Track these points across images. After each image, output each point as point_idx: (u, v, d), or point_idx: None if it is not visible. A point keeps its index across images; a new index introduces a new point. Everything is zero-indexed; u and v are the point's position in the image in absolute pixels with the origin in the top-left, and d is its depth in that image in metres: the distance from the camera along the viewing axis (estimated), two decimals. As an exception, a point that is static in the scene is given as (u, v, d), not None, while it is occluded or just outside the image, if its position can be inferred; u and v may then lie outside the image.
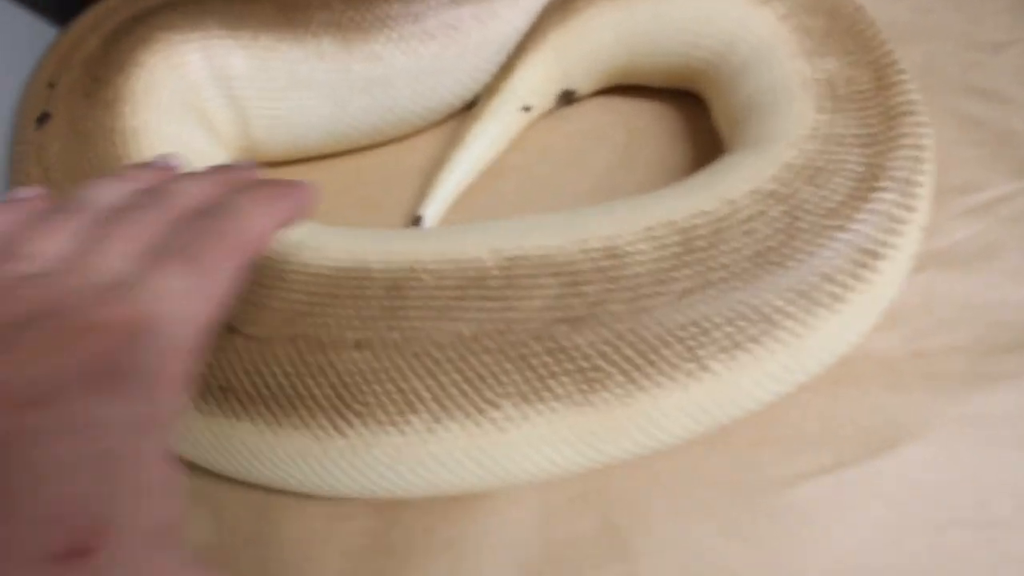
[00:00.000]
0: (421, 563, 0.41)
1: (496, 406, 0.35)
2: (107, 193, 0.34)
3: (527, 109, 0.56)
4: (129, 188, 0.35)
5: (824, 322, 0.37)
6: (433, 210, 0.54)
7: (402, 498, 0.40)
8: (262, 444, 0.38)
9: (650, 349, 0.35)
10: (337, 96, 0.54)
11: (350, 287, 0.38)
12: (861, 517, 0.41)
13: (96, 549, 0.21)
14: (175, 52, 0.51)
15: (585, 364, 0.35)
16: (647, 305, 0.36)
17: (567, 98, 0.58)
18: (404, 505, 0.42)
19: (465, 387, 0.35)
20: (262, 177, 0.39)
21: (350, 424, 0.36)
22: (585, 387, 0.35)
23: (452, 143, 0.56)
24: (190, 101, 0.52)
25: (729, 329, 0.35)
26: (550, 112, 0.60)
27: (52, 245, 0.30)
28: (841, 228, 0.37)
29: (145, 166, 0.38)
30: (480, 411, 0.35)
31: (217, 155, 0.50)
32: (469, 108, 0.58)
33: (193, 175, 0.37)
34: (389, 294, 0.37)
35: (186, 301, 0.29)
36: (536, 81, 0.56)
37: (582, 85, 0.58)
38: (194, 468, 0.42)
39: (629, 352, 0.35)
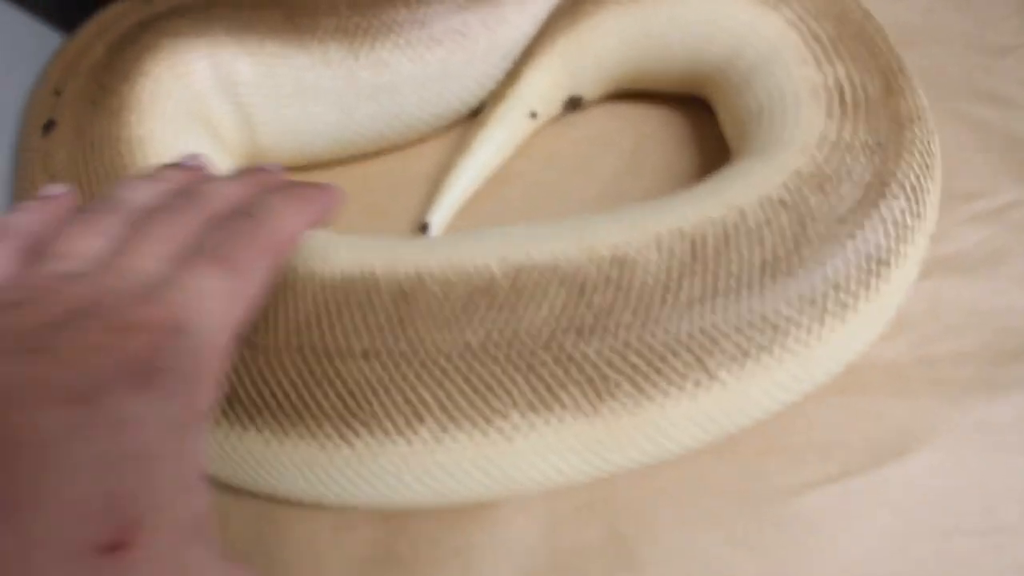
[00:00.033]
0: (427, 572, 0.41)
1: (503, 415, 0.35)
2: (140, 193, 0.34)
3: (534, 115, 0.56)
4: (160, 188, 0.35)
5: (833, 331, 0.37)
6: (439, 217, 0.54)
7: (409, 507, 0.40)
8: (268, 454, 0.38)
9: (658, 358, 0.35)
10: (343, 103, 0.54)
11: (357, 296, 0.38)
12: (868, 525, 0.40)
13: (136, 542, 0.22)
14: (181, 60, 0.51)
15: (593, 373, 0.35)
16: (655, 314, 0.35)
17: (574, 104, 0.58)
18: (410, 514, 0.42)
19: (472, 396, 0.35)
20: (288, 179, 0.40)
21: (357, 434, 0.36)
22: (593, 396, 0.35)
23: (458, 150, 0.56)
24: (196, 109, 0.52)
25: (737, 338, 0.35)
26: (557, 118, 0.59)
27: (87, 245, 0.31)
28: (850, 236, 0.37)
29: (174, 166, 0.38)
30: (487, 420, 0.35)
31: (223, 162, 0.50)
32: (475, 114, 0.58)
33: (223, 177, 0.37)
34: (396, 303, 0.37)
35: (219, 302, 0.30)
36: (543, 87, 0.55)
37: (589, 91, 0.58)
38: (200, 477, 0.42)
39: (637, 361, 0.35)
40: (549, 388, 0.35)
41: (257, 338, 0.37)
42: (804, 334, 0.36)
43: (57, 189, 0.36)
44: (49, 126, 0.49)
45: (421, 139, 0.59)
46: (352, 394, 0.36)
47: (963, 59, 0.58)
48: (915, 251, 0.39)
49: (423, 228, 0.54)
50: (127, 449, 0.23)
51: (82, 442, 0.22)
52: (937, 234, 0.42)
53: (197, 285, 0.29)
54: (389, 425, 0.36)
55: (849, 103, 0.43)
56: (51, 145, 0.48)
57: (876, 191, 0.39)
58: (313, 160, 0.57)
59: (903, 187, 0.39)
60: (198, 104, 0.52)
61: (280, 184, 0.38)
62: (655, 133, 0.58)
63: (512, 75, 0.56)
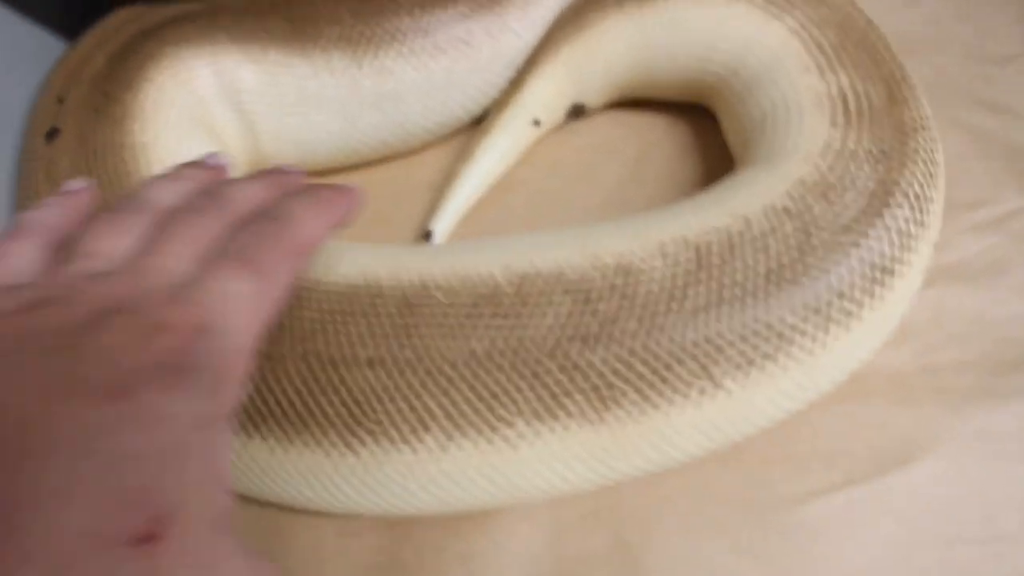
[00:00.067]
0: (433, 580, 0.41)
1: (509, 424, 0.35)
2: (164, 193, 0.35)
3: (537, 123, 0.56)
4: (183, 188, 0.36)
5: (837, 339, 0.37)
6: (443, 225, 0.54)
7: (414, 515, 0.40)
8: (273, 462, 0.38)
9: (663, 366, 0.35)
10: (347, 111, 0.54)
11: (362, 305, 0.38)
12: (871, 534, 0.41)
13: (165, 535, 0.23)
14: (184, 67, 0.51)
15: (598, 382, 0.35)
16: (660, 322, 0.36)
17: (577, 112, 0.58)
18: (415, 521, 0.42)
19: (478, 405, 0.35)
20: (308, 181, 0.40)
21: (362, 442, 0.36)
22: (598, 405, 0.35)
23: (462, 157, 0.56)
24: (199, 116, 0.52)
25: (742, 346, 0.35)
26: (560, 126, 0.59)
27: (113, 245, 0.31)
28: (855, 245, 0.37)
29: (196, 165, 0.39)
30: (493, 429, 0.35)
31: (226, 170, 0.50)
32: (479, 122, 0.58)
33: (246, 179, 0.38)
34: (401, 312, 0.37)
35: (245, 303, 0.30)
36: (547, 95, 0.55)
37: (592, 99, 0.58)
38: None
39: (642, 369, 0.35)
40: (554, 396, 0.35)
41: (262, 346, 0.37)
42: (809, 342, 0.36)
43: (78, 184, 0.37)
44: (52, 133, 0.49)
45: (424, 147, 0.59)
46: (357, 402, 0.36)
47: (965, 68, 0.58)
48: (919, 260, 0.39)
49: (426, 236, 0.54)
50: (158, 445, 0.24)
51: (115, 437, 0.23)
52: (940, 243, 0.42)
53: (223, 287, 0.30)
54: (394, 433, 0.36)
55: (853, 112, 0.43)
56: (54, 152, 0.48)
57: (880, 200, 0.39)
58: (316, 168, 0.57)
59: (907, 196, 0.39)
60: (201, 111, 0.52)
61: (301, 186, 0.38)
62: (658, 141, 0.58)
63: (516, 83, 0.56)
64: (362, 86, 0.53)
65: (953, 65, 0.59)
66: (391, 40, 0.52)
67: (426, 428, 0.35)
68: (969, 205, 0.51)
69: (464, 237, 0.55)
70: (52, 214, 0.35)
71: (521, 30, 0.55)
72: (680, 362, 0.35)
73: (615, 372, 0.35)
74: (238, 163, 0.54)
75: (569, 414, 0.35)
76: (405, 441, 0.36)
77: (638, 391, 0.35)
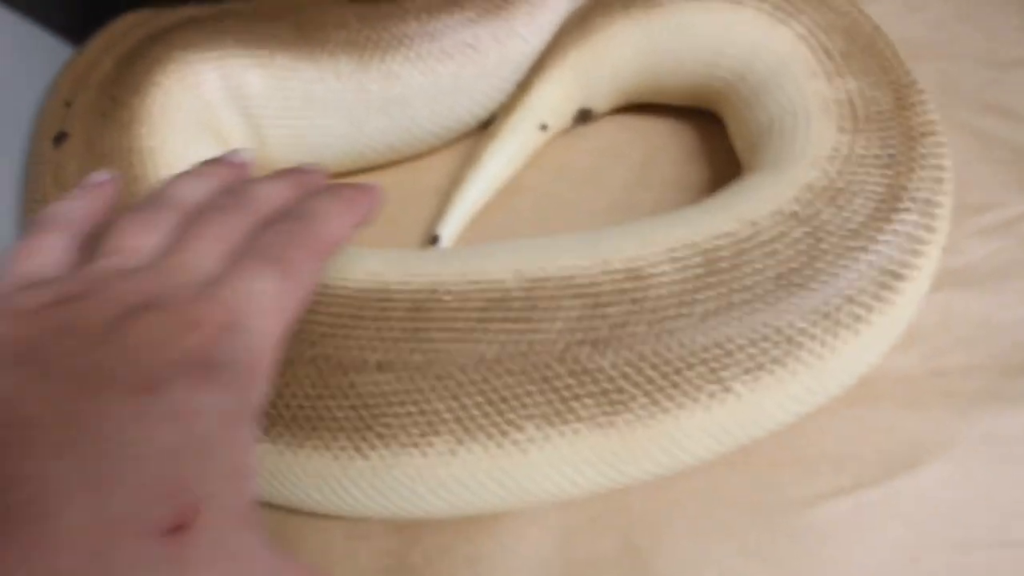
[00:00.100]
0: (441, 583, 0.41)
1: (519, 428, 0.35)
2: (189, 191, 0.36)
3: (544, 127, 0.56)
4: (207, 186, 0.37)
5: (846, 343, 0.37)
6: (450, 229, 0.54)
7: (423, 518, 0.40)
8: (282, 465, 0.38)
9: (673, 371, 0.35)
10: (354, 115, 0.54)
11: (372, 308, 0.38)
12: (880, 537, 0.41)
13: (195, 526, 0.23)
14: (191, 71, 0.51)
15: (608, 386, 0.35)
16: (670, 327, 0.36)
17: (584, 116, 0.58)
18: (424, 525, 0.42)
19: (488, 409, 0.35)
20: (329, 181, 0.41)
21: (372, 446, 0.36)
22: (608, 409, 0.35)
23: (469, 162, 0.56)
24: (206, 120, 0.52)
25: (752, 351, 0.35)
26: (567, 130, 0.59)
27: (141, 242, 0.32)
28: (863, 249, 0.37)
29: (219, 162, 0.40)
30: (503, 433, 0.35)
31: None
32: (485, 126, 0.58)
33: (269, 178, 0.38)
34: (411, 316, 0.37)
35: (271, 301, 0.31)
36: (553, 99, 0.56)
37: (599, 103, 0.58)
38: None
39: (652, 374, 0.35)
40: (564, 400, 0.35)
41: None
42: (818, 347, 0.36)
43: (102, 176, 0.38)
44: (60, 138, 0.49)
45: (431, 151, 0.60)
46: (367, 406, 0.36)
47: (972, 72, 0.58)
48: (927, 264, 0.39)
49: (433, 240, 0.54)
50: (187, 438, 0.25)
51: (147, 430, 0.24)
52: (947, 247, 0.42)
53: (250, 285, 0.30)
54: (404, 437, 0.36)
55: (860, 117, 0.43)
56: (62, 157, 0.48)
57: (889, 205, 0.39)
58: (323, 172, 0.57)
59: (915, 201, 0.39)
60: (208, 115, 0.52)
61: (322, 186, 0.39)
62: (665, 145, 0.58)
63: (522, 87, 0.56)
64: (369, 90, 0.53)
65: (959, 70, 0.59)
66: (398, 45, 0.52)
67: (436, 432, 0.35)
68: (976, 209, 0.51)
69: (471, 241, 0.55)
70: (78, 207, 0.36)
71: (528, 35, 0.55)
72: (690, 366, 0.35)
73: (625, 376, 0.35)
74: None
75: (579, 418, 0.35)
76: (415, 445, 0.36)
77: (648, 395, 0.35)
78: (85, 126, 0.49)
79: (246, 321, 0.29)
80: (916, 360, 0.45)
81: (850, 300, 0.37)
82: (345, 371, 0.36)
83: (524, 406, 0.35)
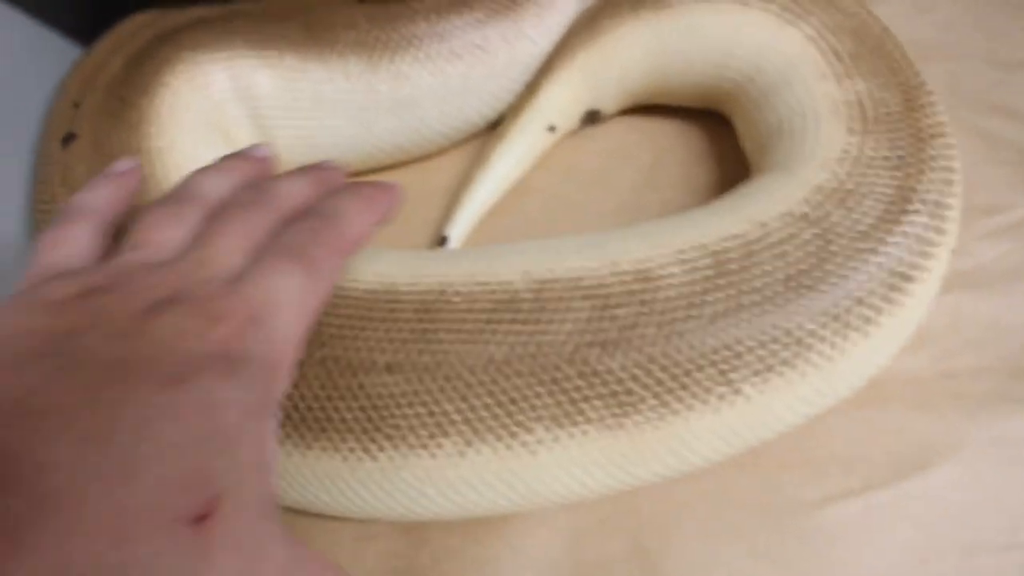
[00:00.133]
0: (449, 585, 0.41)
1: (528, 429, 0.35)
2: (212, 186, 0.36)
3: (552, 129, 0.56)
4: (230, 181, 0.37)
5: (856, 345, 0.37)
6: (458, 230, 0.54)
7: (431, 520, 0.40)
8: (290, 466, 0.38)
9: (682, 372, 0.35)
10: (363, 116, 0.54)
11: (380, 310, 0.38)
12: (889, 540, 0.40)
13: (218, 516, 0.24)
14: (200, 72, 0.51)
15: (617, 387, 0.35)
16: (679, 328, 0.36)
17: (592, 118, 0.58)
18: (432, 526, 0.42)
19: (497, 410, 0.35)
20: (347, 178, 0.42)
21: (380, 447, 0.36)
22: (617, 410, 0.35)
23: (477, 163, 0.56)
24: (215, 121, 0.52)
25: (761, 352, 0.35)
26: (575, 132, 0.59)
27: (167, 235, 0.33)
28: (873, 251, 0.37)
29: (242, 156, 0.40)
30: (512, 434, 0.35)
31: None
32: (494, 127, 0.58)
33: (292, 174, 0.39)
34: (420, 317, 0.37)
35: (296, 297, 0.31)
36: (562, 101, 0.55)
37: (607, 105, 0.58)
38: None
39: (661, 375, 0.35)
40: (574, 402, 0.35)
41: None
42: (827, 348, 0.36)
43: (126, 164, 0.39)
44: (68, 139, 0.49)
45: (439, 152, 0.60)
46: (376, 407, 0.36)
47: (980, 74, 0.58)
48: (937, 266, 0.39)
49: (441, 241, 0.54)
50: (212, 430, 0.25)
51: (173, 421, 0.24)
52: (956, 248, 0.42)
53: (275, 281, 0.31)
54: (413, 438, 0.36)
55: (870, 118, 0.43)
56: (70, 157, 0.48)
57: (898, 206, 0.39)
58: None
59: (925, 202, 0.39)
60: (217, 116, 0.52)
61: (342, 183, 0.40)
62: (673, 146, 0.58)
63: (531, 89, 0.56)
64: (378, 91, 0.53)
65: (968, 71, 0.59)
66: (407, 45, 0.52)
67: (445, 433, 0.35)
68: (985, 211, 0.51)
69: (479, 242, 0.55)
70: (102, 197, 0.37)
71: (537, 36, 0.55)
72: (699, 368, 0.35)
73: (634, 378, 0.35)
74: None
75: (588, 420, 0.35)
76: (423, 446, 0.36)
77: (657, 397, 0.35)
78: (94, 127, 0.49)
79: (270, 317, 0.30)
80: (925, 362, 0.45)
81: (860, 302, 0.37)
82: (354, 372, 0.36)
83: (533, 408, 0.35)
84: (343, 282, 0.39)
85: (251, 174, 0.39)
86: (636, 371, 0.35)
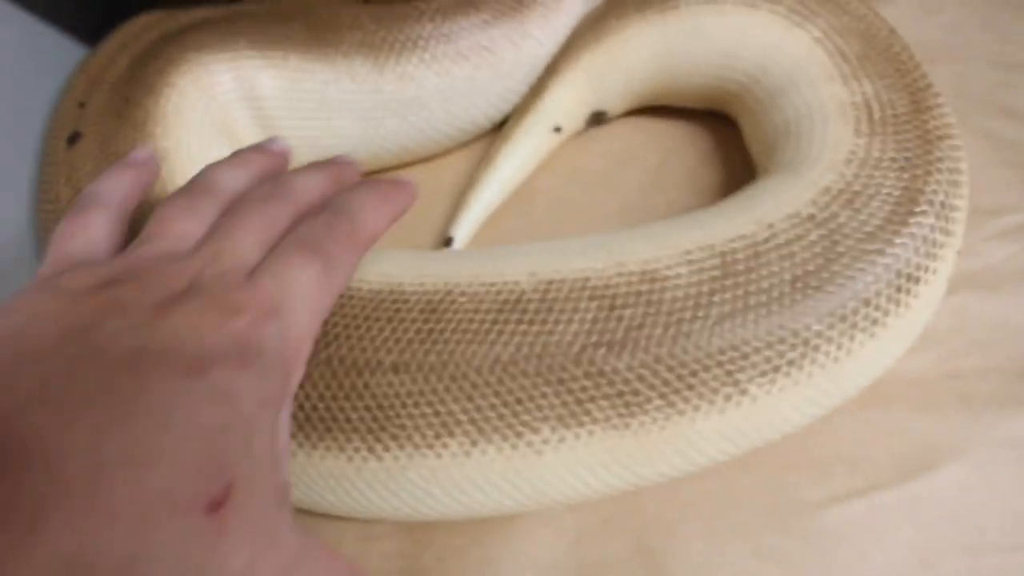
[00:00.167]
0: (454, 585, 0.41)
1: (534, 429, 0.35)
2: (229, 179, 0.37)
3: (558, 130, 0.56)
4: (247, 174, 0.38)
5: (863, 346, 0.37)
6: (463, 231, 0.54)
7: (436, 520, 0.40)
8: (295, 466, 0.38)
9: (689, 373, 0.35)
10: (368, 117, 0.54)
11: (386, 310, 0.38)
12: (894, 540, 0.40)
13: (233, 504, 0.25)
14: (205, 72, 0.51)
15: (623, 388, 0.35)
16: (686, 329, 0.35)
17: (598, 119, 0.58)
18: (436, 526, 0.42)
19: (503, 410, 0.35)
20: (361, 173, 0.43)
21: (386, 447, 0.36)
22: (623, 411, 0.35)
23: (482, 164, 0.56)
24: (220, 121, 0.52)
25: (768, 353, 0.35)
26: (581, 133, 0.59)
27: (185, 227, 0.33)
28: (880, 252, 0.37)
29: (258, 149, 0.41)
30: (517, 434, 0.35)
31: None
32: (499, 128, 0.58)
33: (307, 169, 0.39)
34: (425, 317, 0.37)
35: (312, 291, 0.32)
36: (567, 102, 0.56)
37: (613, 106, 0.58)
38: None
39: (668, 376, 0.35)
40: (579, 402, 0.35)
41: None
42: (834, 349, 0.36)
43: (143, 154, 0.40)
44: (74, 138, 0.49)
45: (445, 153, 0.60)
46: (381, 407, 0.36)
47: (987, 76, 0.58)
48: (944, 267, 0.39)
49: (447, 242, 0.54)
50: (228, 419, 0.26)
51: (190, 410, 0.25)
52: (963, 249, 0.42)
53: (292, 275, 0.32)
54: (418, 438, 0.36)
55: (877, 120, 0.43)
56: (76, 157, 0.48)
57: (905, 208, 0.39)
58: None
59: (932, 204, 0.39)
60: (223, 116, 0.52)
61: (357, 178, 0.41)
62: (679, 148, 0.58)
63: (536, 90, 0.56)
64: (384, 92, 0.53)
65: (975, 73, 0.58)
66: (413, 46, 0.52)
67: (450, 433, 0.35)
68: (992, 212, 0.51)
69: (484, 243, 0.55)
70: (119, 185, 0.37)
71: (543, 37, 0.55)
72: (706, 368, 0.35)
73: (640, 378, 0.35)
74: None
75: (594, 420, 0.35)
76: (429, 446, 0.36)
77: (663, 397, 0.35)
78: (99, 126, 0.49)
79: (286, 310, 0.31)
80: (931, 363, 0.45)
81: (866, 303, 0.36)
82: (359, 372, 0.36)
83: (539, 408, 0.35)
84: (349, 282, 0.39)
85: (267, 168, 0.39)
86: (642, 371, 0.35)
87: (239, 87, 0.52)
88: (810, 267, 0.37)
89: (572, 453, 0.36)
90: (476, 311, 0.37)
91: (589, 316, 0.36)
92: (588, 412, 0.35)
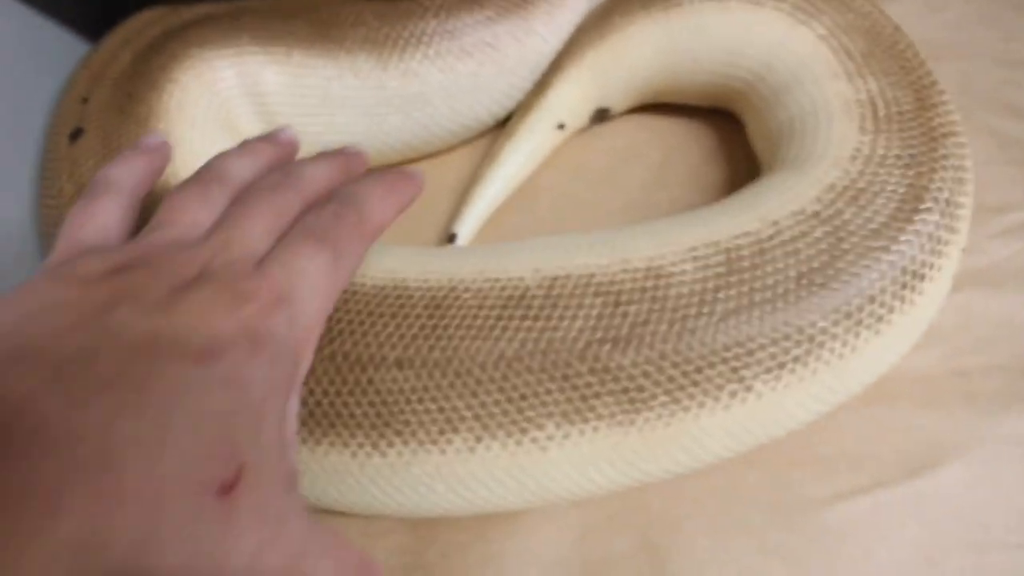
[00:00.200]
0: (457, 581, 0.41)
1: (538, 425, 0.35)
2: (239, 168, 0.37)
3: (561, 127, 0.56)
4: (256, 163, 0.38)
5: (868, 343, 0.37)
6: (467, 228, 0.54)
7: (440, 516, 0.40)
8: (299, 462, 0.37)
9: (694, 370, 0.35)
10: (372, 113, 0.54)
11: (390, 305, 0.38)
12: (899, 537, 0.40)
13: (244, 487, 0.25)
14: (208, 68, 0.51)
15: (628, 384, 0.35)
16: (691, 325, 0.35)
17: (601, 116, 0.58)
18: (440, 522, 0.42)
19: (507, 406, 0.35)
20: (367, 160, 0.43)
21: (390, 443, 0.36)
22: (628, 407, 0.35)
23: (486, 160, 0.56)
24: (223, 117, 0.52)
25: (773, 350, 0.35)
26: (584, 130, 0.59)
27: (195, 215, 0.34)
28: (885, 249, 0.37)
29: (267, 139, 0.41)
30: (522, 431, 0.35)
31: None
32: (503, 125, 0.58)
33: (316, 159, 0.39)
34: (430, 313, 0.37)
35: (321, 280, 0.32)
36: (571, 99, 0.56)
37: (617, 103, 0.58)
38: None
39: (673, 372, 0.35)
40: (584, 398, 0.35)
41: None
42: (839, 346, 0.36)
43: (155, 140, 0.40)
44: (76, 134, 0.49)
45: (448, 149, 0.60)
46: (385, 403, 0.36)
47: (991, 74, 0.58)
48: (949, 264, 0.39)
49: (450, 239, 0.54)
50: (240, 404, 0.27)
51: (203, 395, 0.26)
52: (968, 247, 0.42)
53: (300, 264, 0.32)
54: (422, 434, 0.36)
55: (882, 117, 0.43)
56: (78, 152, 0.48)
57: (910, 205, 0.39)
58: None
59: (937, 201, 0.39)
60: (225, 112, 0.52)
61: (364, 169, 0.42)
62: (682, 145, 0.58)
63: (540, 86, 0.56)
64: (387, 88, 0.53)
65: (979, 70, 0.58)
66: (417, 42, 0.52)
67: (455, 429, 0.35)
68: (996, 210, 0.51)
69: (488, 240, 0.55)
70: (131, 171, 0.37)
71: (547, 34, 0.55)
72: (711, 365, 0.35)
73: (645, 375, 0.35)
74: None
75: (599, 416, 0.35)
76: (433, 442, 0.36)
77: (668, 394, 0.35)
78: (102, 122, 0.49)
79: (294, 299, 0.31)
80: (936, 360, 0.45)
81: (872, 300, 0.36)
82: (364, 367, 0.36)
83: (544, 404, 0.35)
84: (356, 272, 0.39)
85: (275, 158, 0.40)
86: (647, 368, 0.35)
87: (242, 83, 0.52)
88: (815, 264, 0.37)
89: (577, 449, 0.36)
90: (480, 307, 0.37)
91: (594, 312, 0.36)
92: (593, 408, 0.35)
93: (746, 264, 0.37)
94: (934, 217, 0.39)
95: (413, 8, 0.53)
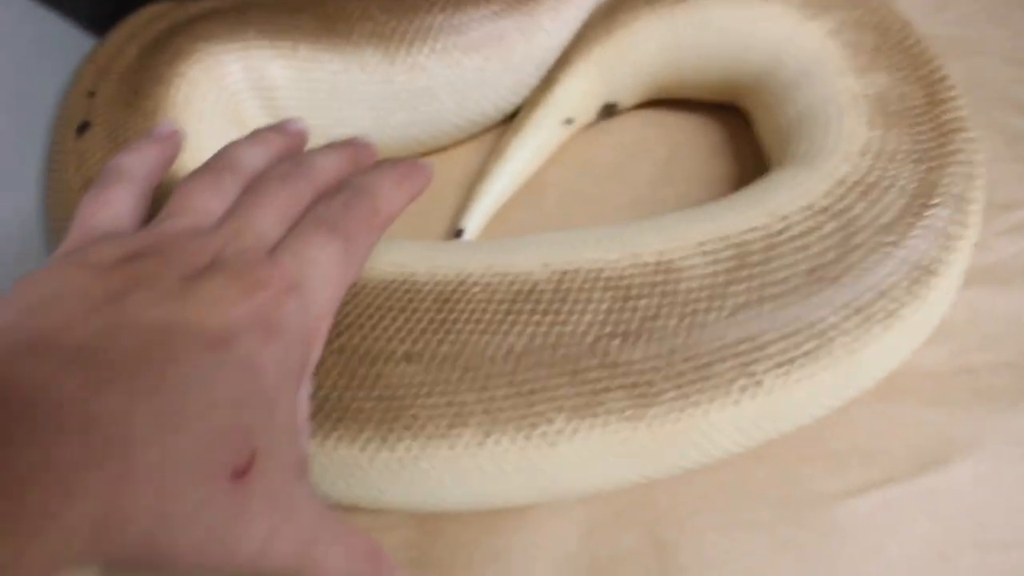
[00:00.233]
0: (464, 576, 0.41)
1: (548, 420, 0.35)
2: (250, 157, 0.37)
3: (568, 122, 0.56)
4: (267, 153, 0.38)
5: (878, 338, 0.37)
6: (474, 223, 0.54)
7: (448, 511, 0.40)
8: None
9: (704, 364, 0.35)
10: (378, 107, 0.54)
11: (399, 299, 0.38)
12: (909, 532, 0.40)
13: (256, 473, 0.26)
14: (215, 62, 0.51)
15: (638, 378, 0.35)
16: (701, 320, 0.35)
17: (608, 111, 0.58)
18: (448, 517, 0.42)
19: (516, 401, 0.35)
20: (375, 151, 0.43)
21: (399, 437, 0.36)
22: (638, 401, 0.35)
23: (493, 156, 0.56)
24: (230, 111, 0.52)
25: (783, 345, 0.35)
26: (591, 125, 0.59)
27: (207, 203, 0.34)
28: (895, 244, 0.37)
29: (277, 130, 0.41)
30: (531, 425, 0.35)
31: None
32: (510, 120, 0.58)
33: (326, 149, 0.39)
34: (438, 307, 0.37)
35: (330, 268, 0.33)
36: (578, 94, 0.55)
37: (624, 98, 0.58)
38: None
39: (682, 367, 0.35)
40: (594, 393, 0.35)
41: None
42: (850, 341, 0.36)
43: (167, 128, 0.40)
44: (83, 128, 0.49)
45: (455, 144, 0.60)
46: (394, 397, 0.36)
47: (999, 71, 0.58)
48: (960, 260, 0.39)
49: (457, 234, 0.54)
50: (253, 391, 0.27)
51: (216, 380, 0.26)
52: (977, 244, 0.42)
53: (314, 252, 0.32)
54: (431, 428, 0.35)
55: (892, 112, 0.43)
56: (85, 146, 0.48)
57: (921, 200, 0.39)
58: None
59: (948, 196, 0.39)
60: (232, 106, 0.52)
61: (374, 159, 0.42)
62: (689, 140, 0.58)
63: (547, 82, 0.56)
64: (394, 82, 0.53)
65: (987, 67, 0.58)
66: (424, 37, 0.52)
67: (464, 423, 0.35)
68: (1004, 207, 0.51)
69: (495, 236, 0.55)
70: (144, 159, 0.37)
71: (553, 29, 0.55)
72: (721, 360, 0.35)
73: (655, 369, 0.35)
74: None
75: (608, 411, 0.35)
76: (442, 436, 0.35)
77: (678, 388, 0.35)
78: (108, 116, 0.49)
79: (306, 288, 0.31)
80: (944, 356, 0.45)
81: (882, 295, 0.36)
82: (372, 361, 0.36)
83: (553, 398, 0.35)
84: (366, 262, 0.39)
85: (285, 148, 0.40)
86: (657, 362, 0.35)
87: (249, 77, 0.52)
88: (825, 259, 0.37)
89: (586, 444, 0.36)
90: (490, 301, 0.37)
91: (603, 306, 0.36)
92: (602, 403, 0.35)
93: (756, 259, 0.37)
94: (945, 212, 0.39)
95: (420, 2, 0.53)
